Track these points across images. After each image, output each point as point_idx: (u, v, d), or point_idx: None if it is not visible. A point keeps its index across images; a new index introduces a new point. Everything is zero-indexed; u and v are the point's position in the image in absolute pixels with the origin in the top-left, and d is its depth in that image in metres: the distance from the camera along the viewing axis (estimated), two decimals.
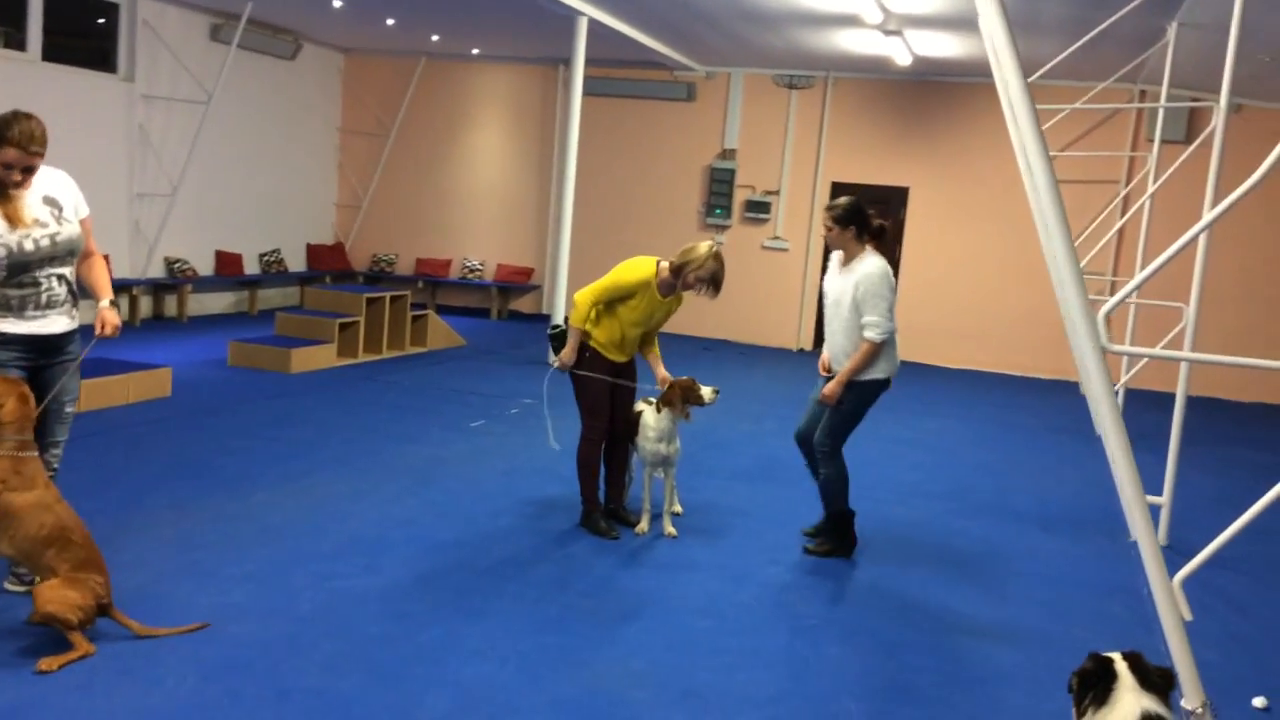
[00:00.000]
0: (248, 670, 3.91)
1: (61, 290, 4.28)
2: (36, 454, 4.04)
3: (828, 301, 5.57)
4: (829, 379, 5.53)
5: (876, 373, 5.45)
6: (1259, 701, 4.25)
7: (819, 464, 5.65)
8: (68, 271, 4.32)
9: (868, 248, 5.45)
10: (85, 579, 3.92)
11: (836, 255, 5.61)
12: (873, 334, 5.27)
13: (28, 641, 3.97)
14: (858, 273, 5.34)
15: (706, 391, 5.83)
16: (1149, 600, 5.39)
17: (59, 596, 3.84)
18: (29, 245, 4.11)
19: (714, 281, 5.61)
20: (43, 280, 4.19)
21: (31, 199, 4.16)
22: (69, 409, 4.41)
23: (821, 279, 5.79)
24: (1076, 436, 9.93)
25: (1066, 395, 12.41)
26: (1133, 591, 5.61)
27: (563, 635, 4.46)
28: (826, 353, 5.62)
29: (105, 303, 4.43)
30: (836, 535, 5.77)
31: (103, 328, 4.38)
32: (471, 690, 3.89)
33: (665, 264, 5.69)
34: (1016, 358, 13.89)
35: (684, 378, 5.87)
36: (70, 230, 4.26)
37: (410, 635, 4.33)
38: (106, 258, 11.86)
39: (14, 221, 4.08)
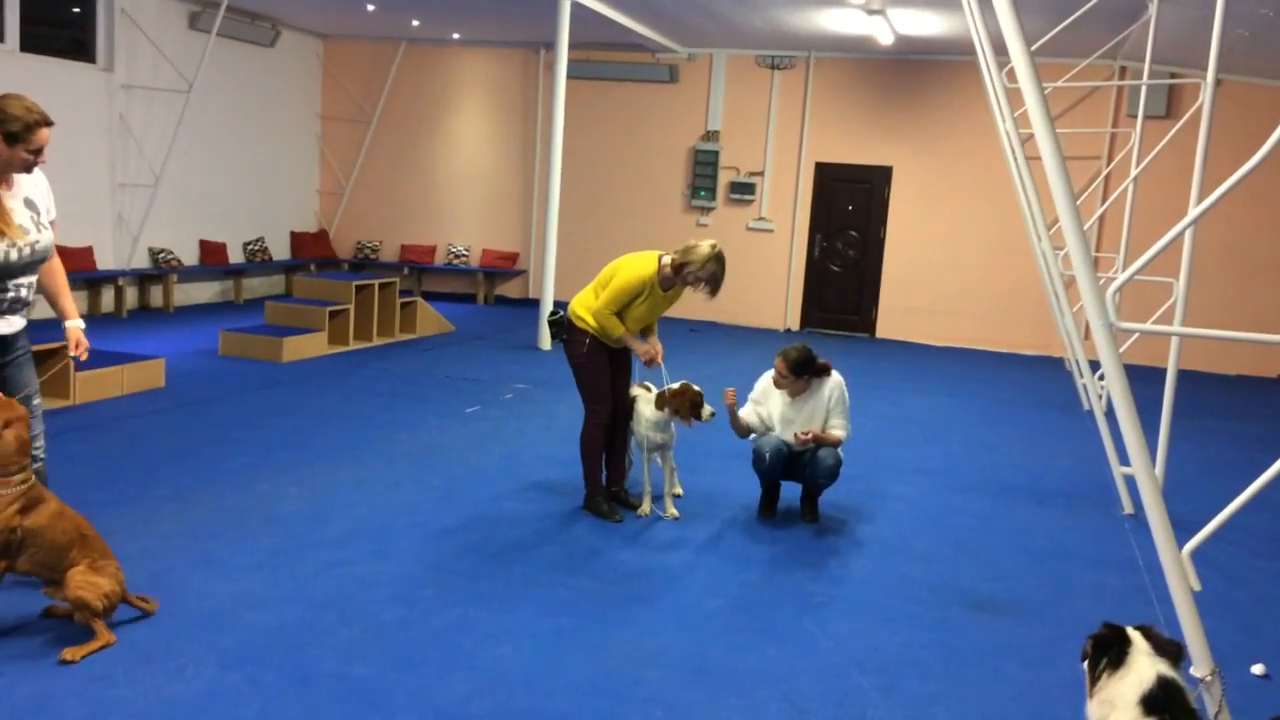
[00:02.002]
0: (267, 657, 3.95)
1: (28, 296, 4.21)
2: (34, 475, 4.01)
3: (785, 415, 6.02)
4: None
5: None
6: (1258, 669, 4.35)
7: (828, 480, 6.03)
8: (36, 279, 4.25)
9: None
10: (106, 565, 3.97)
11: (772, 387, 6.06)
12: (842, 434, 6.02)
13: (48, 634, 4.01)
14: (829, 387, 6.01)
15: (707, 410, 5.89)
16: (1145, 571, 5.52)
17: (89, 581, 3.88)
18: (14, 255, 4.02)
19: (713, 281, 5.69)
20: (12, 288, 4.11)
21: (14, 203, 4.06)
22: (35, 401, 4.28)
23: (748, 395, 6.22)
24: (1063, 411, 10.06)
25: (1051, 370, 12.55)
26: (1128, 563, 5.71)
27: (575, 617, 4.52)
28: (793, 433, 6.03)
29: (79, 323, 4.36)
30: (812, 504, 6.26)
31: (77, 348, 4.34)
32: (489, 673, 3.95)
33: (667, 259, 5.72)
34: (1000, 334, 14.02)
35: (695, 389, 5.91)
36: (47, 237, 4.17)
37: (424, 620, 4.38)
38: (90, 249, 11.83)
39: (3, 231, 3.97)
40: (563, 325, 5.99)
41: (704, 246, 5.65)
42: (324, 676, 3.83)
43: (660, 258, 5.75)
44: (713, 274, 5.65)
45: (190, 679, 3.75)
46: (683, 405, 5.84)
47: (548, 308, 11.54)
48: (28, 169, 4.04)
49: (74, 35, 12.16)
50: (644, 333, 6.00)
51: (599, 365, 5.89)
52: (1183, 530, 3.25)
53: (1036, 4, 9.76)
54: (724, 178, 14.87)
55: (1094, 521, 6.51)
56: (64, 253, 11.14)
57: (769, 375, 6.05)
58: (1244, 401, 11.41)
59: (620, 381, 6.03)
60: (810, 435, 5.89)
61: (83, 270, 11.62)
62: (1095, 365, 10.14)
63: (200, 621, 4.20)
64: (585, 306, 5.86)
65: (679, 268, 5.66)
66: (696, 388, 5.91)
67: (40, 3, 11.57)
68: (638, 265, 5.75)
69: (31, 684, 3.63)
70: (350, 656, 4.00)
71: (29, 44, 11.24)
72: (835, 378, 6.03)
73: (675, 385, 5.90)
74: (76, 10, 12.15)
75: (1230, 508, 3.14)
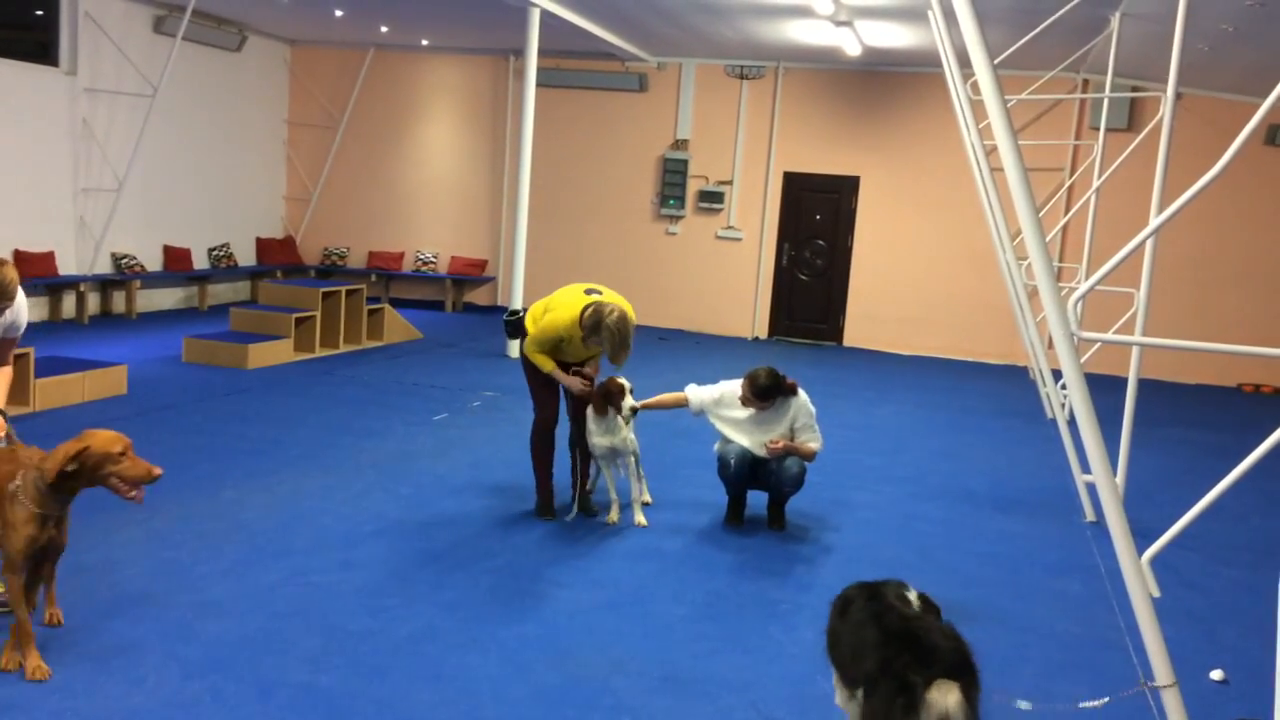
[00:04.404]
0: (229, 667, 3.91)
1: None
2: None
3: (739, 424, 6.03)
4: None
5: None
6: (1216, 675, 4.41)
7: (792, 488, 6.05)
8: None
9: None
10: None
11: (733, 396, 6.03)
12: (817, 445, 6.06)
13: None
14: (794, 406, 6.00)
15: (627, 404, 5.82)
16: (1106, 578, 5.58)
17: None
18: None
19: (612, 349, 5.53)
20: None
21: None
22: None
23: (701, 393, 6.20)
24: (1027, 419, 10.15)
25: (1015, 379, 12.67)
26: (1090, 570, 5.77)
27: (541, 625, 4.51)
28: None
29: None
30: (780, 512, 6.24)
31: None
32: (455, 682, 3.93)
33: (590, 311, 5.59)
34: (966, 343, 14.14)
35: (619, 381, 5.88)
36: None
37: (390, 629, 4.35)
38: (51, 254, 11.70)
39: None
40: (518, 327, 6.02)
41: (606, 316, 5.48)
42: (288, 686, 3.80)
43: (584, 309, 5.61)
44: (609, 343, 5.52)
45: (152, 689, 3.71)
46: (598, 398, 5.84)
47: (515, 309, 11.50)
48: None
49: (37, 38, 12.02)
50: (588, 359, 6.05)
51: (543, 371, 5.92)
52: (1143, 537, 3.29)
53: (1001, 17, 9.87)
54: (693, 186, 14.91)
55: (1056, 529, 6.57)
56: (25, 258, 11.03)
57: (736, 385, 6.05)
58: (1204, 410, 11.56)
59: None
60: (781, 444, 5.91)
61: (44, 276, 11.48)
62: (1058, 374, 10.25)
63: (162, 631, 4.16)
64: (534, 318, 5.90)
65: (586, 329, 5.60)
66: (621, 380, 5.88)
67: (2, 6, 11.43)
68: (563, 312, 5.69)
69: None
70: (315, 666, 3.98)
71: None
72: (800, 398, 6.01)
73: (603, 381, 5.93)
74: (40, 13, 12.02)
75: (1189, 515, 3.19)
